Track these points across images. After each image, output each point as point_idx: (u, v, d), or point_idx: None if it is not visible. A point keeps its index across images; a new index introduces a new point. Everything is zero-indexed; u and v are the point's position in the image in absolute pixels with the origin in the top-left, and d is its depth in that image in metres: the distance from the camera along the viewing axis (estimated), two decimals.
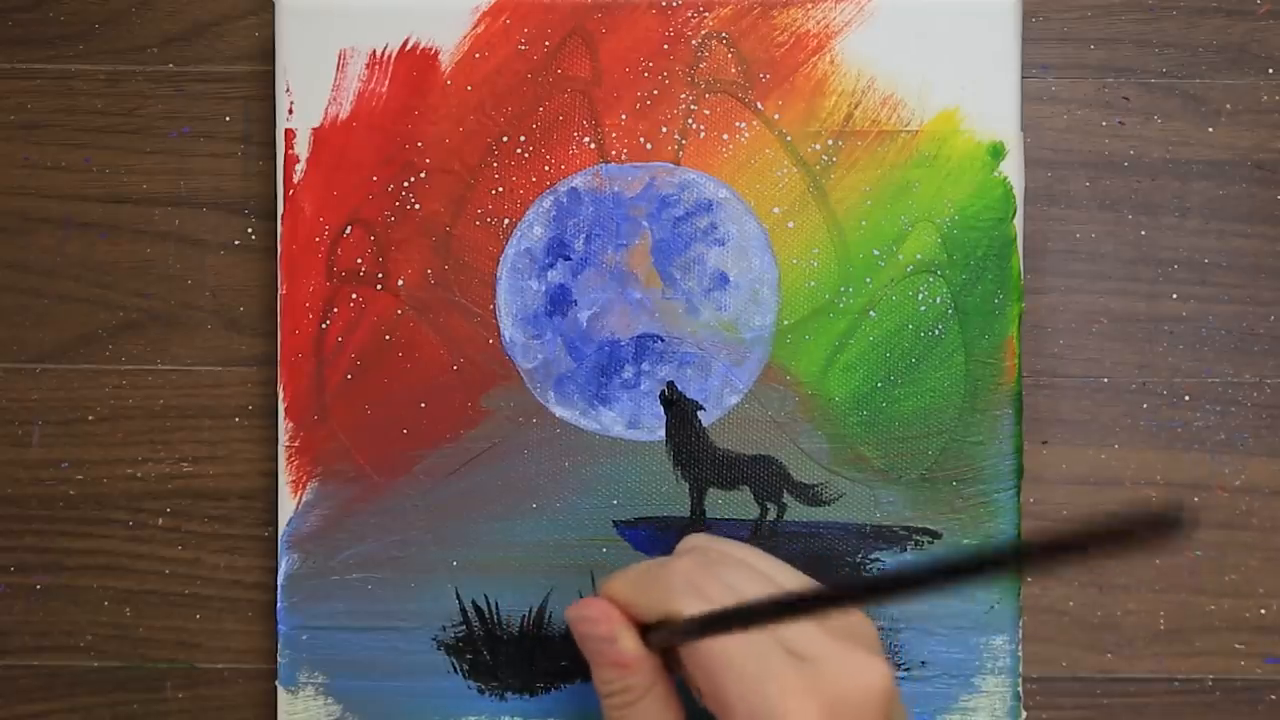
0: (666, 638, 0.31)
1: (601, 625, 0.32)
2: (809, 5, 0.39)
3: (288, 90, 0.40)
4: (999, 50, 0.39)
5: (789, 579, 0.32)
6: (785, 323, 0.39)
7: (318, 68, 0.40)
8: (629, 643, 0.31)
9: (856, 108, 0.39)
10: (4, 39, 0.43)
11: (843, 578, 0.26)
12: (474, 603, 0.40)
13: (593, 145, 0.40)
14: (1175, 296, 0.42)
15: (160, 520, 0.42)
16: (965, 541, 0.39)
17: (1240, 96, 0.42)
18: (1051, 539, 0.20)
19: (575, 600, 0.33)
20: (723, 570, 0.31)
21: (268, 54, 0.41)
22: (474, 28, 0.40)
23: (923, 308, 0.39)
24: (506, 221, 0.40)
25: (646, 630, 0.32)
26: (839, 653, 0.29)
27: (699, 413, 0.39)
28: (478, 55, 0.40)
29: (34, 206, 0.42)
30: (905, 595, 0.23)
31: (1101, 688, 0.41)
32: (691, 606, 0.30)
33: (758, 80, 0.39)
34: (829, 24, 0.39)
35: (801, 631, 0.29)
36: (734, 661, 0.29)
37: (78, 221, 0.42)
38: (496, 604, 0.40)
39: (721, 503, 0.39)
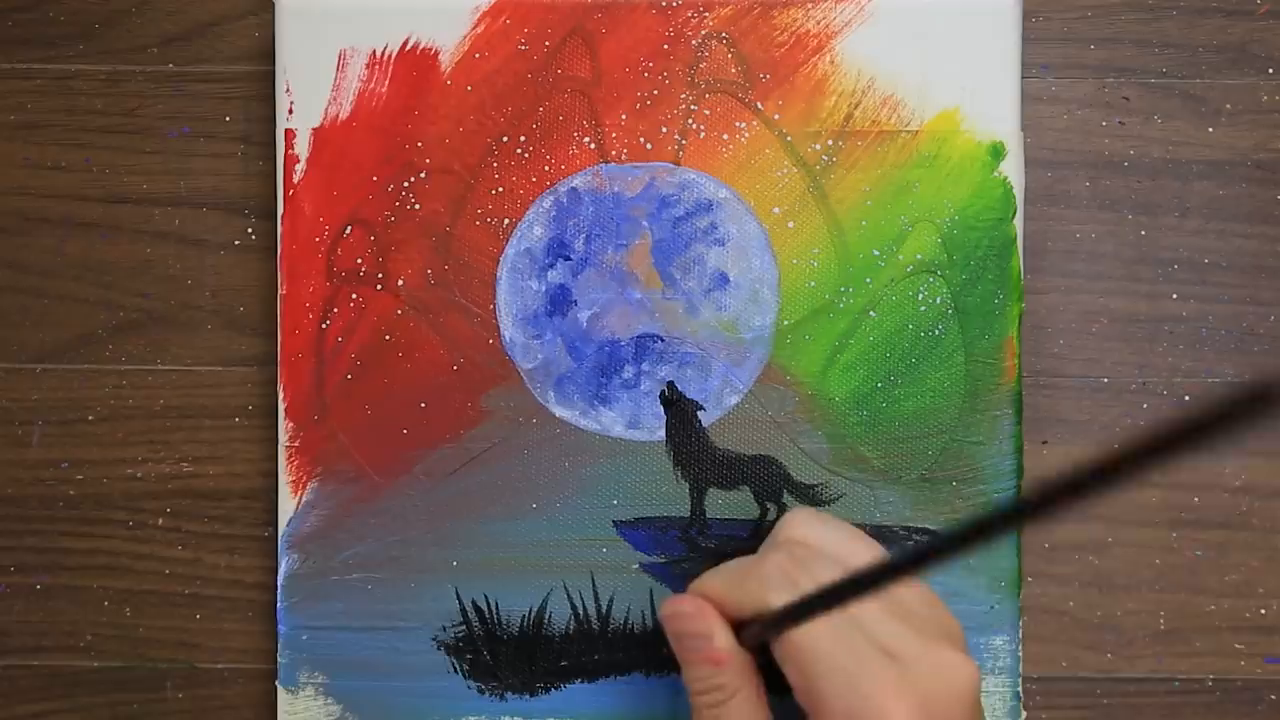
0: (759, 632, 0.31)
1: (696, 621, 0.32)
2: (809, 5, 0.39)
3: (288, 90, 0.40)
4: (999, 50, 0.39)
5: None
6: (785, 323, 0.39)
7: (318, 68, 0.40)
8: (724, 639, 0.31)
9: (856, 108, 0.39)
10: (4, 39, 0.43)
11: (910, 546, 0.27)
12: (474, 603, 0.40)
13: (593, 145, 0.40)
14: (1175, 296, 0.42)
15: (160, 520, 0.42)
16: None
17: (1240, 96, 0.42)
18: (1142, 440, 0.18)
19: (668, 598, 0.33)
20: (814, 565, 0.31)
21: (268, 54, 0.41)
22: (474, 28, 0.40)
23: (923, 308, 0.39)
24: (506, 221, 0.40)
25: (739, 628, 0.32)
26: (930, 651, 0.29)
27: (699, 413, 0.39)
28: (478, 55, 0.40)
29: (34, 206, 0.42)
30: (970, 549, 0.23)
31: (1101, 688, 0.41)
32: (784, 600, 0.30)
33: (758, 80, 0.39)
34: (829, 24, 0.39)
35: (893, 630, 0.30)
36: (828, 658, 0.29)
37: (77, 221, 0.42)
38: (496, 604, 0.40)
39: (721, 503, 0.39)
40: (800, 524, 0.34)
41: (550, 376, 0.40)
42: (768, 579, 0.31)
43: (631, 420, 0.40)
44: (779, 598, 0.30)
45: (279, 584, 0.39)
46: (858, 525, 0.39)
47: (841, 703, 0.29)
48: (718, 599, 0.32)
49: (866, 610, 0.30)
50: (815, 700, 0.29)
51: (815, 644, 0.29)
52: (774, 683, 0.32)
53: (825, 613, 0.28)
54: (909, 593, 0.32)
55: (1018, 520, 0.22)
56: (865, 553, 0.33)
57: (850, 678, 0.29)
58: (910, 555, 0.24)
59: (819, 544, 0.33)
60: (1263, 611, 0.41)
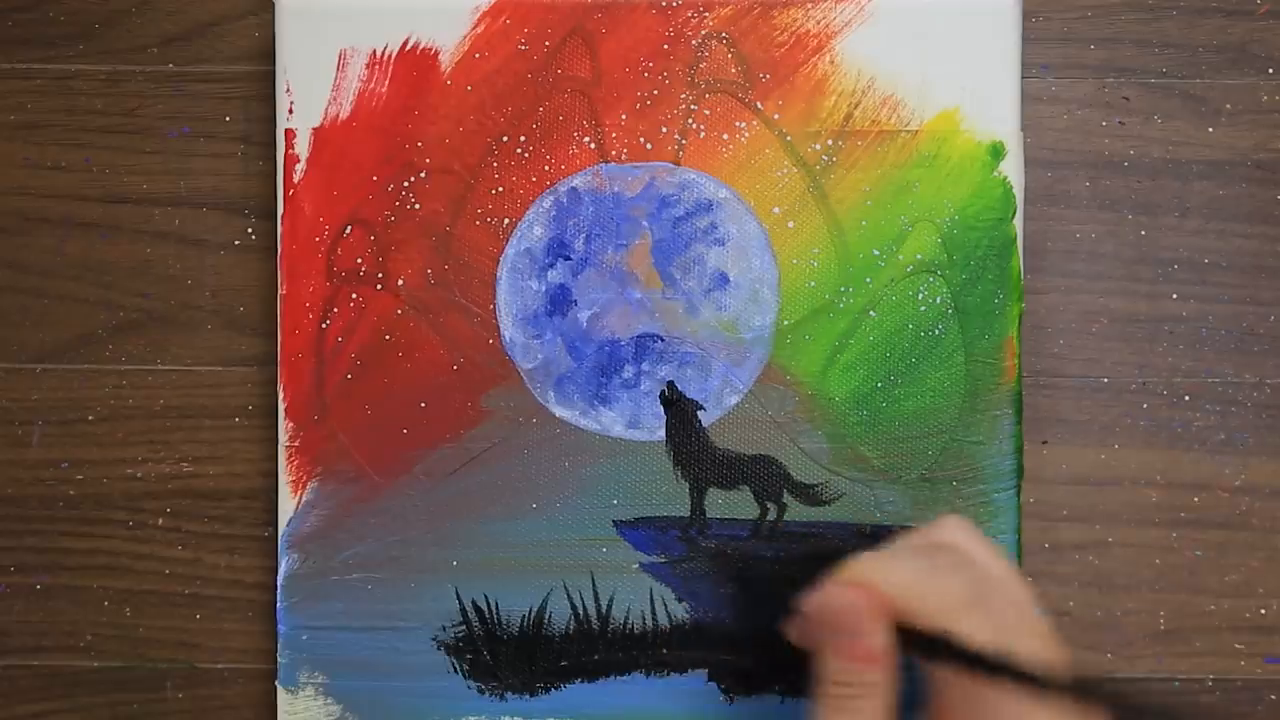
0: (947, 656, 0.30)
1: (861, 617, 0.30)
2: (809, 5, 0.39)
3: (288, 90, 0.40)
4: (999, 50, 0.39)
5: (1043, 622, 0.31)
6: (785, 323, 0.39)
7: (318, 68, 0.40)
8: (884, 639, 0.30)
9: (856, 108, 0.39)
10: (4, 39, 0.43)
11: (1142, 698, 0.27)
12: (474, 603, 0.40)
13: (593, 145, 0.40)
14: (1175, 296, 0.42)
15: (160, 520, 0.42)
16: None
17: (1240, 96, 0.42)
18: None
19: (822, 589, 0.32)
20: (997, 601, 0.30)
21: (268, 54, 0.41)
22: (474, 28, 0.40)
23: (923, 308, 0.39)
24: (506, 221, 0.40)
25: (902, 630, 0.31)
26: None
27: (699, 413, 0.39)
28: (478, 55, 0.40)
29: (34, 206, 0.42)
30: None
31: None
32: (979, 629, 0.29)
33: (758, 80, 0.39)
34: (829, 24, 0.39)
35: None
36: (995, 702, 0.29)
37: (77, 221, 0.42)
38: (496, 604, 0.40)
39: (721, 503, 0.39)
40: (963, 537, 0.32)
41: (550, 376, 0.40)
42: (958, 599, 0.30)
43: (631, 420, 0.40)
44: (969, 625, 0.29)
45: (279, 584, 0.39)
46: (858, 525, 0.39)
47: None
48: (888, 596, 0.30)
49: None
50: None
51: (985, 691, 0.29)
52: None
53: (1015, 685, 0.28)
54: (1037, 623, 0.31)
55: None
56: (1026, 590, 0.32)
57: None
58: (1126, 707, 0.25)
59: (989, 567, 0.32)
60: (1263, 611, 0.41)
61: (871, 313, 0.39)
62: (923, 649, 0.30)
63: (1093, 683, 0.27)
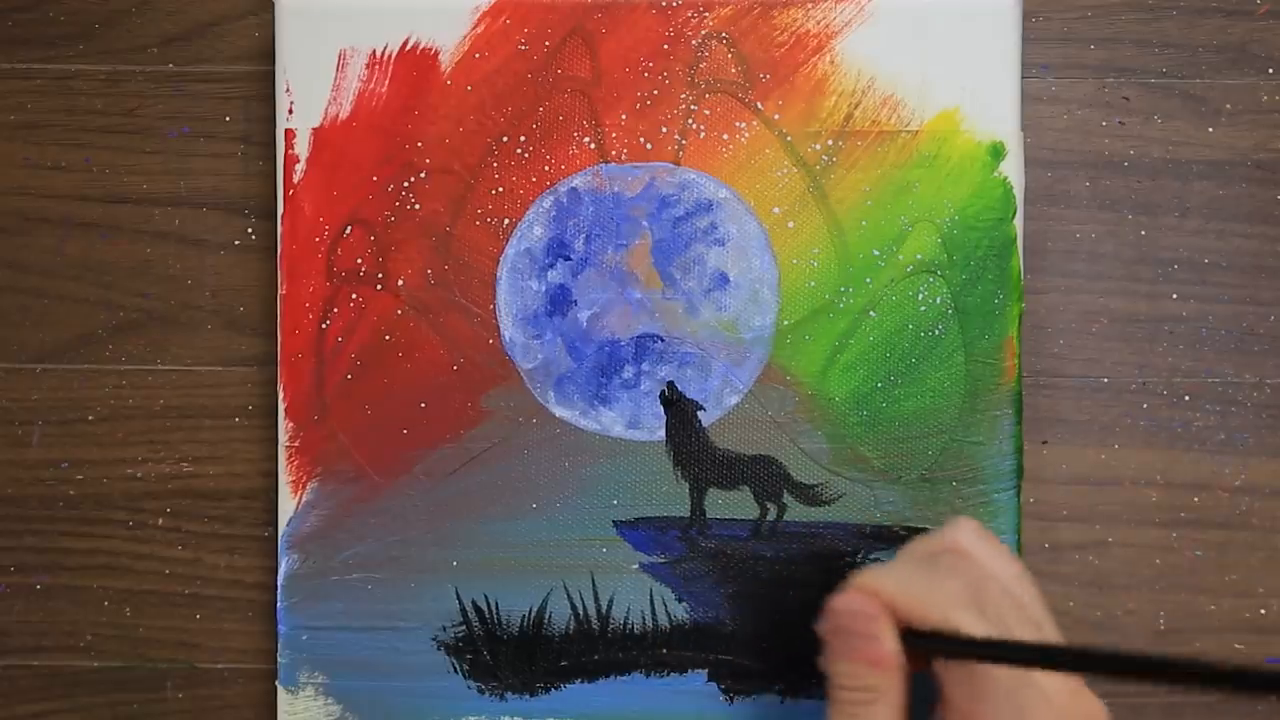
0: (942, 648, 0.31)
1: (868, 621, 0.31)
2: (809, 5, 0.39)
3: (288, 90, 0.40)
4: (999, 50, 0.39)
5: (1043, 616, 0.32)
6: (785, 323, 0.39)
7: (318, 68, 0.40)
8: (891, 642, 0.31)
9: (856, 108, 0.39)
10: (4, 39, 0.43)
11: (1125, 653, 0.28)
12: (474, 603, 0.40)
13: (593, 145, 0.40)
14: (1175, 296, 0.42)
15: (160, 520, 0.42)
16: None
17: (1240, 96, 0.42)
18: None
19: (841, 591, 0.32)
20: (995, 596, 0.31)
21: (268, 54, 0.41)
22: (474, 28, 0.40)
23: (923, 308, 0.39)
24: (506, 221, 0.40)
25: (905, 633, 0.31)
26: (1081, 700, 0.30)
27: (699, 413, 0.39)
28: (478, 55, 0.40)
29: (34, 206, 0.42)
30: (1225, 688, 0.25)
31: (1102, 688, 0.41)
32: (972, 625, 0.30)
33: (758, 80, 0.39)
34: (829, 24, 0.39)
35: (1057, 685, 0.30)
36: (1002, 695, 0.29)
37: (78, 221, 0.42)
38: (496, 604, 0.40)
39: (721, 503, 0.39)
40: (970, 540, 0.33)
41: (550, 376, 0.40)
42: (957, 598, 0.31)
43: (631, 420, 0.40)
44: (965, 620, 0.30)
45: (279, 584, 0.39)
46: (858, 525, 0.39)
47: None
48: (890, 599, 0.31)
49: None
50: None
51: (990, 677, 0.30)
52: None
53: (1016, 665, 0.29)
54: (1047, 620, 0.32)
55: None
56: (1029, 589, 0.33)
57: (1018, 715, 0.29)
58: (1123, 660, 0.26)
59: (994, 566, 0.33)
60: (1263, 611, 0.41)
61: (871, 313, 0.39)
62: (926, 647, 0.31)
63: (1090, 650, 0.28)
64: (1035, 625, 0.31)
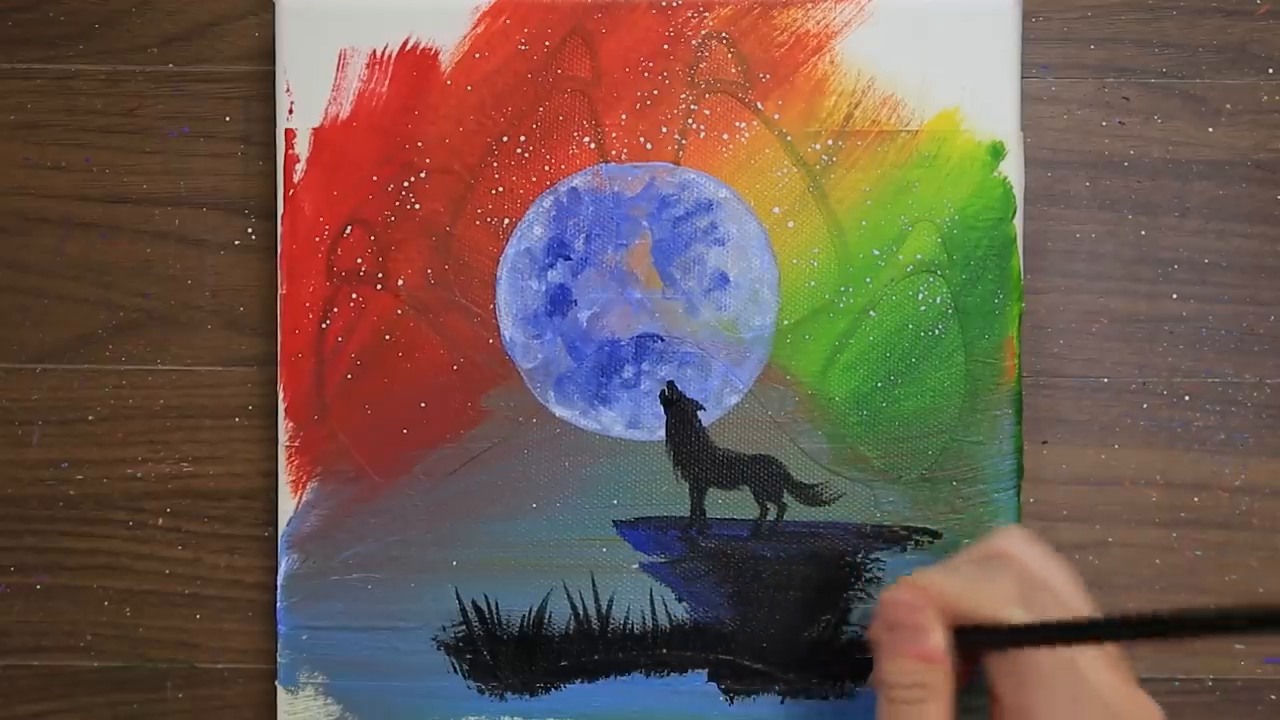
0: (985, 641, 0.31)
1: (917, 614, 0.31)
2: (809, 5, 0.39)
3: (288, 90, 0.40)
4: (999, 50, 0.39)
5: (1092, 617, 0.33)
6: (785, 323, 0.39)
7: (318, 68, 0.40)
8: (939, 636, 0.31)
9: (856, 108, 0.39)
10: (4, 39, 0.43)
11: (1159, 614, 0.29)
12: (474, 603, 0.40)
13: (593, 145, 0.40)
14: (1175, 296, 0.42)
15: (160, 520, 0.42)
16: (965, 542, 0.39)
17: (1240, 96, 0.42)
18: None
19: (890, 585, 0.33)
20: (1039, 595, 0.32)
21: (268, 54, 0.41)
22: (474, 28, 0.40)
23: (923, 308, 0.39)
24: (506, 221, 0.40)
25: (955, 631, 0.32)
26: (1136, 701, 0.31)
27: (699, 413, 0.39)
28: (478, 55, 0.40)
29: (34, 206, 0.42)
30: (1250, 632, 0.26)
31: None
32: (1020, 619, 0.31)
33: (758, 80, 0.39)
34: (829, 24, 0.39)
35: (1107, 679, 0.30)
36: (1050, 686, 0.30)
37: (78, 221, 0.42)
38: (496, 604, 0.40)
39: (721, 503, 0.39)
40: (1019, 545, 0.34)
41: (550, 376, 0.40)
42: (1008, 593, 0.31)
43: (631, 420, 0.40)
44: (1015, 618, 0.31)
45: (279, 584, 0.39)
46: (858, 525, 0.39)
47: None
48: (942, 596, 0.32)
49: (1084, 652, 0.31)
50: (1025, 718, 0.30)
51: (1039, 669, 0.30)
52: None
53: (1058, 644, 0.30)
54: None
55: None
56: (1077, 591, 0.33)
57: (1071, 710, 0.30)
58: (1160, 622, 0.27)
59: (1038, 571, 0.33)
60: None
61: (871, 313, 0.39)
62: (976, 641, 0.31)
63: (1134, 616, 0.28)
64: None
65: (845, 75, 0.39)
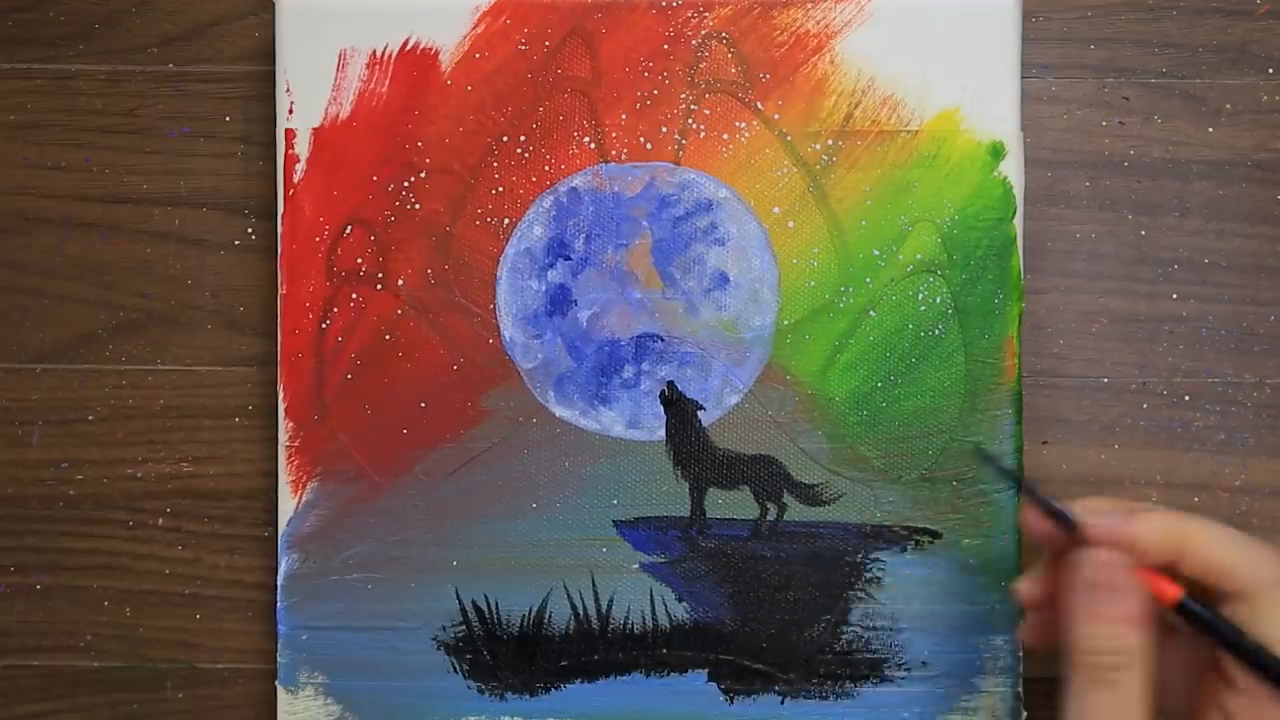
0: (1233, 649, 0.28)
1: (1115, 573, 0.28)
2: (809, 5, 0.39)
3: (288, 90, 0.40)
4: (999, 50, 0.39)
5: None
6: (785, 323, 0.39)
7: (318, 68, 0.40)
8: (1140, 598, 0.28)
9: (856, 108, 0.39)
10: (4, 39, 0.43)
11: None
12: (474, 603, 0.40)
13: (593, 145, 0.40)
14: (1175, 296, 0.42)
15: (160, 520, 0.42)
16: (966, 542, 0.39)
17: (1240, 96, 0.42)
18: None
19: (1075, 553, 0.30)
20: None
21: (268, 54, 0.41)
22: (474, 28, 0.40)
23: (923, 308, 0.39)
24: (506, 221, 0.40)
25: (1185, 602, 0.28)
26: None
27: (699, 413, 0.39)
28: (478, 55, 0.40)
29: (34, 206, 0.42)
30: None
31: None
32: None
33: (758, 80, 0.39)
34: (829, 24, 0.39)
35: None
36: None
37: (78, 221, 0.42)
38: (496, 604, 0.40)
39: (721, 502, 0.39)
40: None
41: (550, 376, 0.40)
42: (1269, 576, 0.28)
43: (631, 420, 0.40)
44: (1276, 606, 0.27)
45: (279, 584, 0.39)
46: (858, 525, 0.39)
47: None
48: (1141, 552, 0.28)
49: None
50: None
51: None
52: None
53: None
54: None
55: None
56: None
57: None
58: None
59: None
60: None
61: (871, 313, 0.39)
62: (1209, 631, 0.28)
63: None
64: None
65: (845, 75, 0.39)
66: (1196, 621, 0.29)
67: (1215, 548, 0.29)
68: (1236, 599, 0.28)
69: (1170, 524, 0.29)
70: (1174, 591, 0.28)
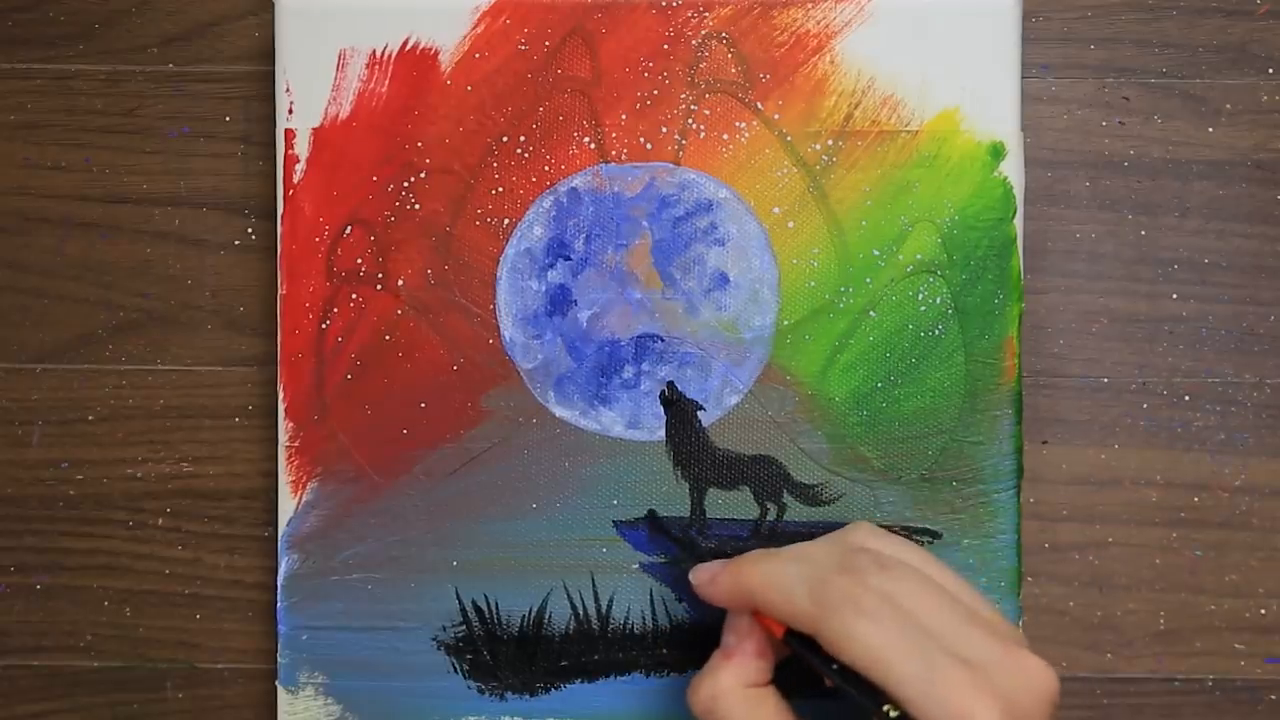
0: (808, 658, 0.31)
1: (715, 591, 0.34)
2: (809, 5, 0.39)
3: (288, 90, 0.40)
4: (999, 50, 0.39)
5: (962, 588, 0.32)
6: (785, 323, 0.39)
7: (318, 68, 0.40)
8: (759, 636, 0.33)
9: (856, 108, 0.39)
10: (4, 39, 0.43)
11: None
12: (474, 603, 0.40)
13: (593, 145, 0.40)
14: (1175, 296, 0.42)
15: (160, 520, 0.42)
16: (966, 542, 0.39)
17: (1240, 96, 0.42)
18: None
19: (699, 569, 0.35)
20: (888, 577, 0.31)
21: (268, 54, 0.41)
22: (474, 28, 0.40)
23: (923, 308, 0.39)
24: (506, 221, 0.40)
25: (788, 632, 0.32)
26: (1010, 655, 0.29)
27: (699, 413, 0.39)
28: (478, 55, 0.40)
29: (34, 206, 0.42)
30: None
31: (1101, 688, 0.41)
32: (857, 626, 0.29)
33: (758, 80, 0.39)
34: (829, 24, 0.39)
35: (968, 636, 0.29)
36: (895, 664, 0.28)
37: (78, 221, 0.42)
38: (496, 604, 0.40)
39: (721, 503, 0.39)
40: (867, 540, 0.33)
41: (550, 376, 0.40)
42: (830, 600, 0.31)
43: (631, 420, 0.40)
44: (846, 622, 0.30)
45: (279, 584, 0.39)
46: None
47: (915, 708, 0.28)
48: (758, 596, 0.32)
49: (938, 618, 0.29)
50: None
51: (877, 647, 0.29)
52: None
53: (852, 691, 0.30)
54: (977, 599, 0.32)
55: None
56: (948, 571, 0.33)
57: (924, 682, 0.28)
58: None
59: (902, 554, 0.33)
60: (1263, 611, 0.41)
61: (871, 313, 0.39)
62: (799, 646, 0.32)
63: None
64: (947, 597, 0.31)
65: (845, 75, 0.39)
66: (800, 649, 0.32)
67: (763, 594, 0.32)
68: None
69: (730, 579, 0.33)
70: (778, 628, 0.32)
